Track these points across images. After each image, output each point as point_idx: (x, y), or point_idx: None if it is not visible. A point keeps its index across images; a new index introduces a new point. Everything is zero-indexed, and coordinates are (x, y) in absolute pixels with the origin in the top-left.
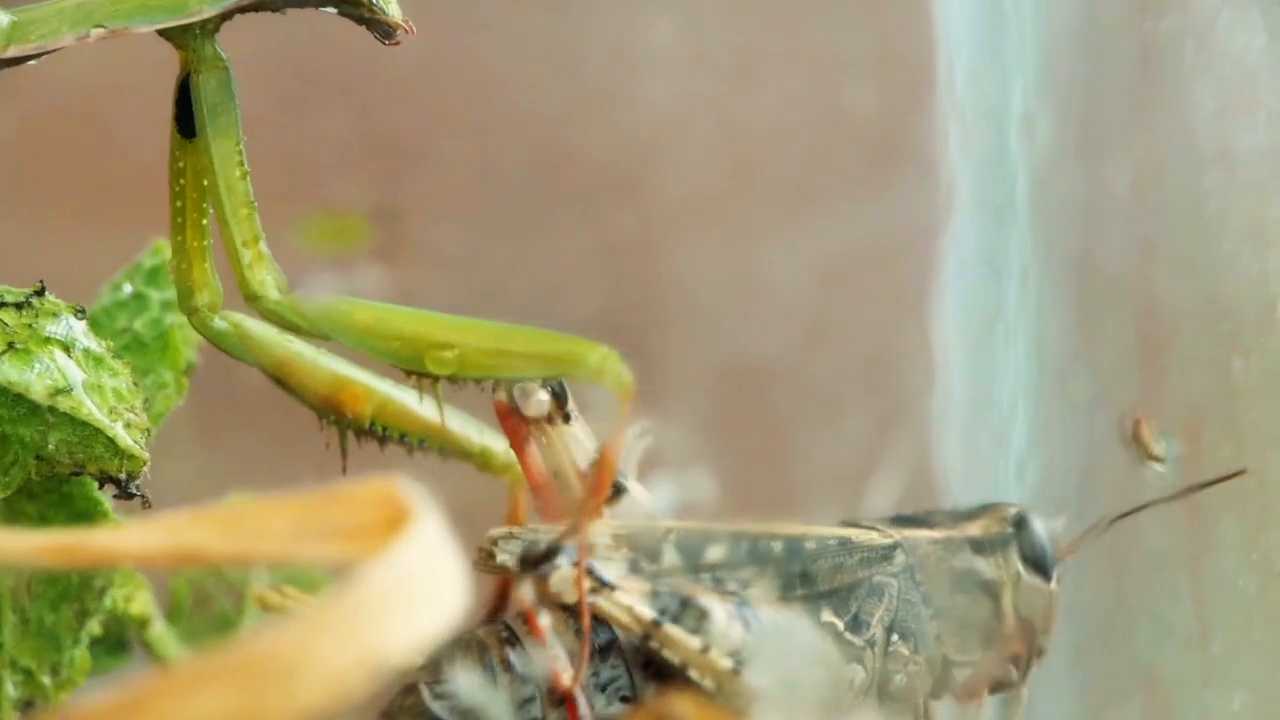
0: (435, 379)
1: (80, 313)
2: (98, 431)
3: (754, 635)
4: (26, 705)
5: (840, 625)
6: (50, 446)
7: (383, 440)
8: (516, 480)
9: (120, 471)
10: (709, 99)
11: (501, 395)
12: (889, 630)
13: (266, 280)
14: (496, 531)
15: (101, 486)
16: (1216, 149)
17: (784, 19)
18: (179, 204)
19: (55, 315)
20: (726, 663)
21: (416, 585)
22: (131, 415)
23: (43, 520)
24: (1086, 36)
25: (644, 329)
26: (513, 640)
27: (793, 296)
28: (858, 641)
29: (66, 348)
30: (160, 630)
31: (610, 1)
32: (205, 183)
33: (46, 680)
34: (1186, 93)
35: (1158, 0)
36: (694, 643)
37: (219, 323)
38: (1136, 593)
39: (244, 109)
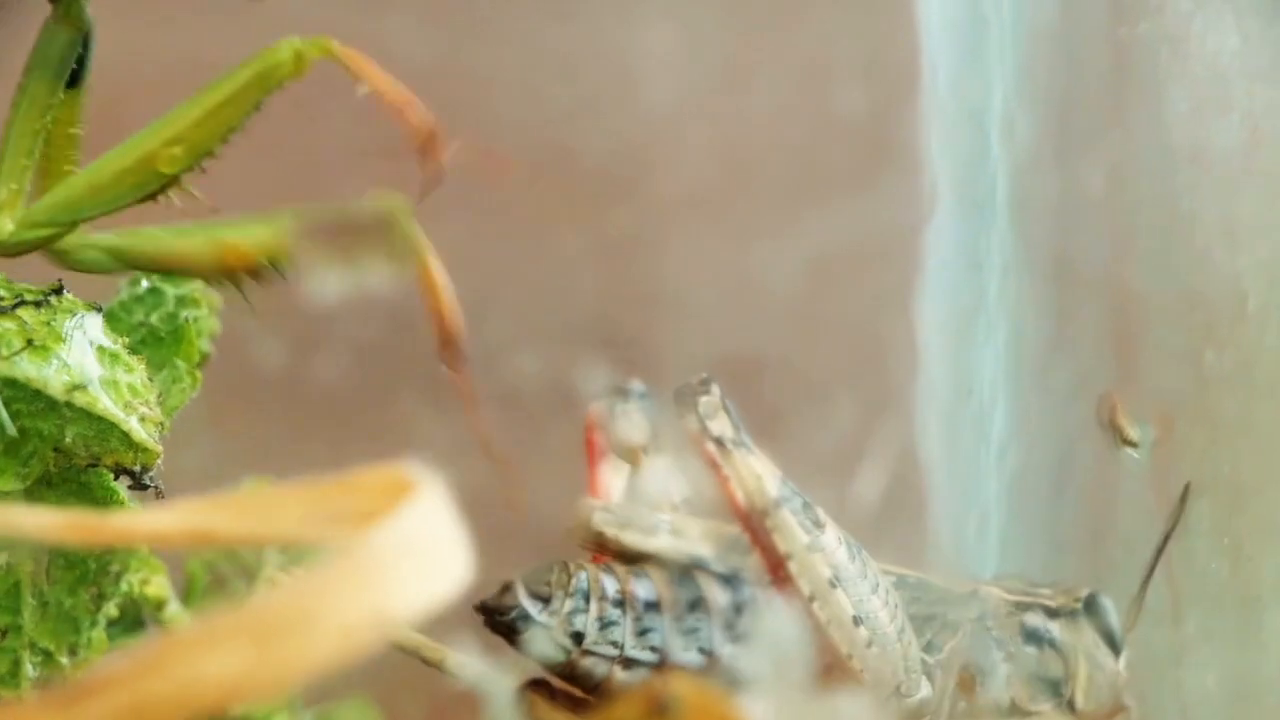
0: (178, 177)
1: (97, 309)
2: (113, 426)
3: (855, 566)
4: (46, 684)
5: (918, 642)
6: (67, 440)
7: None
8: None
9: (135, 464)
10: (703, 102)
11: (598, 411)
12: (961, 661)
13: (4, 225)
14: (594, 502)
15: (117, 478)
16: (1190, 149)
17: (775, 24)
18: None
19: (73, 313)
20: (826, 571)
21: (422, 550)
22: (146, 409)
23: (61, 508)
24: (1065, 40)
25: (641, 324)
26: (609, 571)
27: (783, 291)
28: (929, 659)
29: (83, 345)
30: (176, 611)
31: (607, 7)
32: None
33: (65, 661)
34: (1161, 94)
35: (1133, 5)
36: (804, 538)
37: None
38: (1111, 575)
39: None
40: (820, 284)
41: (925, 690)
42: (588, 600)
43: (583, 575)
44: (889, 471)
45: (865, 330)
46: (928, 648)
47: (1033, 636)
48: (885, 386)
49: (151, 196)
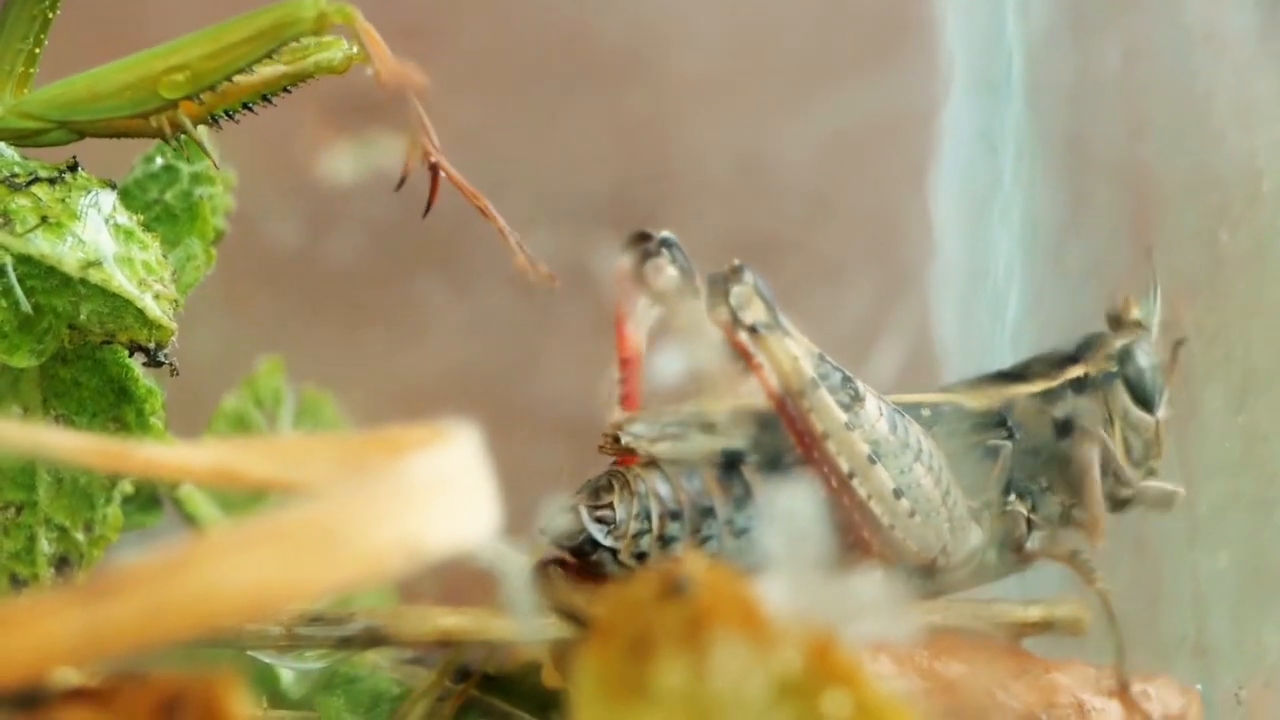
0: (176, 104)
1: (111, 187)
2: (127, 303)
3: (897, 438)
4: (61, 560)
5: (960, 490)
6: (82, 317)
7: (230, 115)
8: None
9: (149, 341)
10: None
11: (632, 264)
12: (1004, 492)
13: None
14: (620, 417)
15: (131, 355)
16: (1205, 29)
17: None
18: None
19: (87, 189)
20: (865, 448)
21: (452, 490)
22: (160, 287)
23: (76, 385)
24: None
25: (656, 204)
26: (663, 477)
27: (799, 172)
28: (974, 504)
29: (98, 222)
30: (189, 489)
31: None
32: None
33: (80, 537)
34: None
35: None
36: (841, 416)
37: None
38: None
39: None
40: (836, 165)
41: (975, 539)
42: (649, 519)
43: (642, 487)
44: (904, 352)
45: (881, 211)
46: (971, 490)
47: (1065, 430)
48: (900, 268)
49: (144, 116)
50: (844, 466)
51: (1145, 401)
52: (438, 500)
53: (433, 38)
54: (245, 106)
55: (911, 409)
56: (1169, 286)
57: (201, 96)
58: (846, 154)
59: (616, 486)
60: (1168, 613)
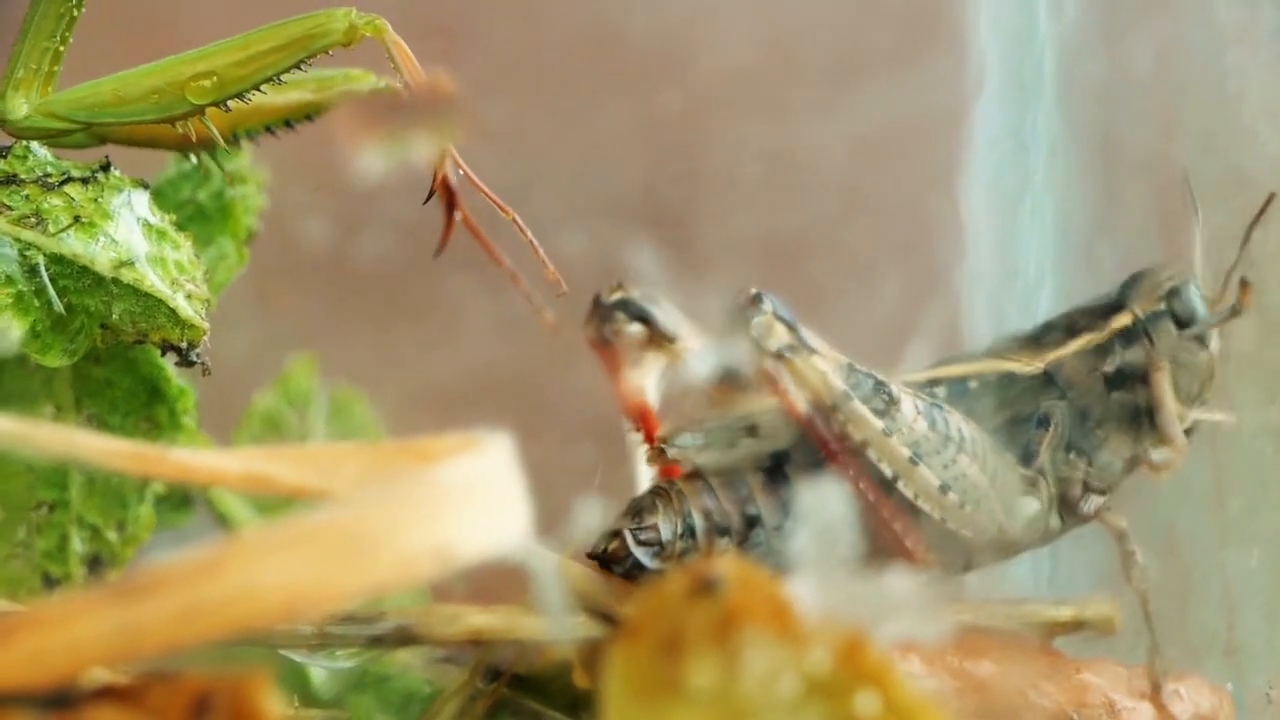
0: (203, 110)
1: (144, 186)
2: (160, 302)
3: (937, 434)
4: (93, 560)
5: (1012, 459)
6: (114, 316)
7: (251, 137)
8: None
9: (181, 340)
10: None
11: (592, 331)
12: (1063, 450)
13: (19, 108)
14: (667, 429)
15: (164, 354)
16: (1237, 29)
17: None
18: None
19: (119, 189)
20: (905, 451)
21: (484, 497)
22: (193, 286)
23: (109, 384)
24: None
25: (686, 202)
26: (708, 490)
27: (830, 170)
28: (1029, 473)
29: (130, 222)
30: (222, 489)
31: None
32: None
33: (113, 536)
34: None
35: None
36: (877, 424)
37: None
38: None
39: None
40: (867, 163)
41: (1032, 507)
42: (693, 535)
43: (686, 505)
44: (935, 353)
45: (912, 210)
46: (1025, 457)
47: (1117, 381)
48: (932, 266)
49: (170, 120)
50: (887, 472)
51: (1198, 337)
52: (470, 505)
53: (465, 38)
54: (267, 129)
55: (958, 383)
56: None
57: (228, 104)
58: (877, 152)
59: (660, 505)
60: (1198, 612)
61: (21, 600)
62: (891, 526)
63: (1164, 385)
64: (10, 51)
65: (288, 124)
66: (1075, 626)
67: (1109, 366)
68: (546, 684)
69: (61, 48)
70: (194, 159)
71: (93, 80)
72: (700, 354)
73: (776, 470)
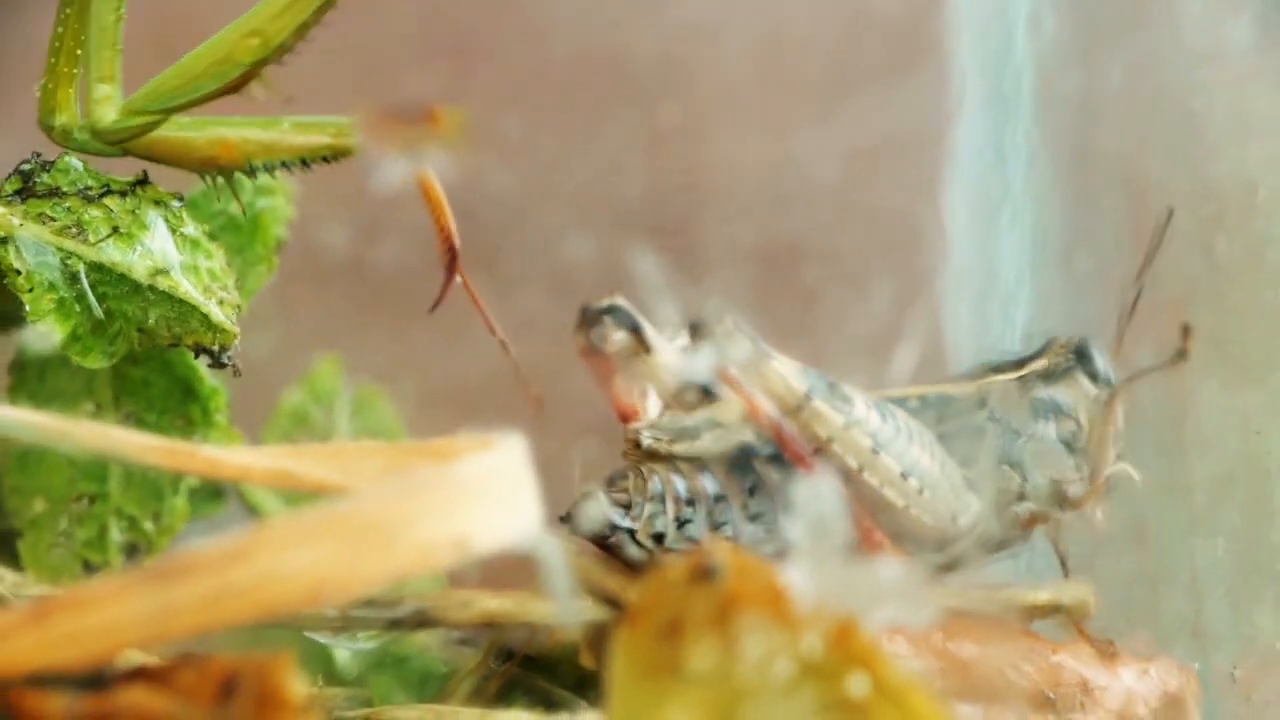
0: (257, 69)
1: (178, 199)
2: (193, 308)
3: (890, 426)
4: (131, 548)
5: (953, 462)
6: (151, 321)
7: (269, 169)
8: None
9: (214, 344)
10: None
11: (582, 339)
12: (997, 463)
13: (108, 114)
14: (637, 425)
15: (197, 356)
16: (1205, 47)
17: None
18: (60, 30)
19: (156, 201)
20: (867, 442)
21: (500, 491)
22: (224, 293)
23: (145, 384)
24: None
25: (687, 210)
26: (676, 470)
27: (820, 182)
28: (970, 474)
29: (166, 232)
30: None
31: None
32: (84, 18)
33: (149, 526)
34: None
35: None
36: (838, 419)
37: (79, 134)
38: (1128, 452)
39: None
40: (855, 175)
41: (975, 504)
42: (664, 502)
43: (656, 479)
44: (918, 354)
45: (898, 219)
46: (964, 463)
47: (1042, 410)
48: (916, 273)
49: (234, 89)
50: (852, 463)
51: (1102, 385)
52: (486, 499)
53: (477, 56)
54: (283, 165)
55: (900, 402)
56: (1172, 292)
57: (278, 60)
58: (866, 164)
59: (633, 476)
60: (1168, 597)
61: (63, 587)
62: (863, 520)
63: (1105, 428)
64: (56, 67)
65: (304, 163)
66: (1052, 610)
67: (1037, 395)
68: (555, 665)
69: (119, 50)
70: (217, 179)
71: (159, 75)
72: (673, 367)
73: (744, 460)
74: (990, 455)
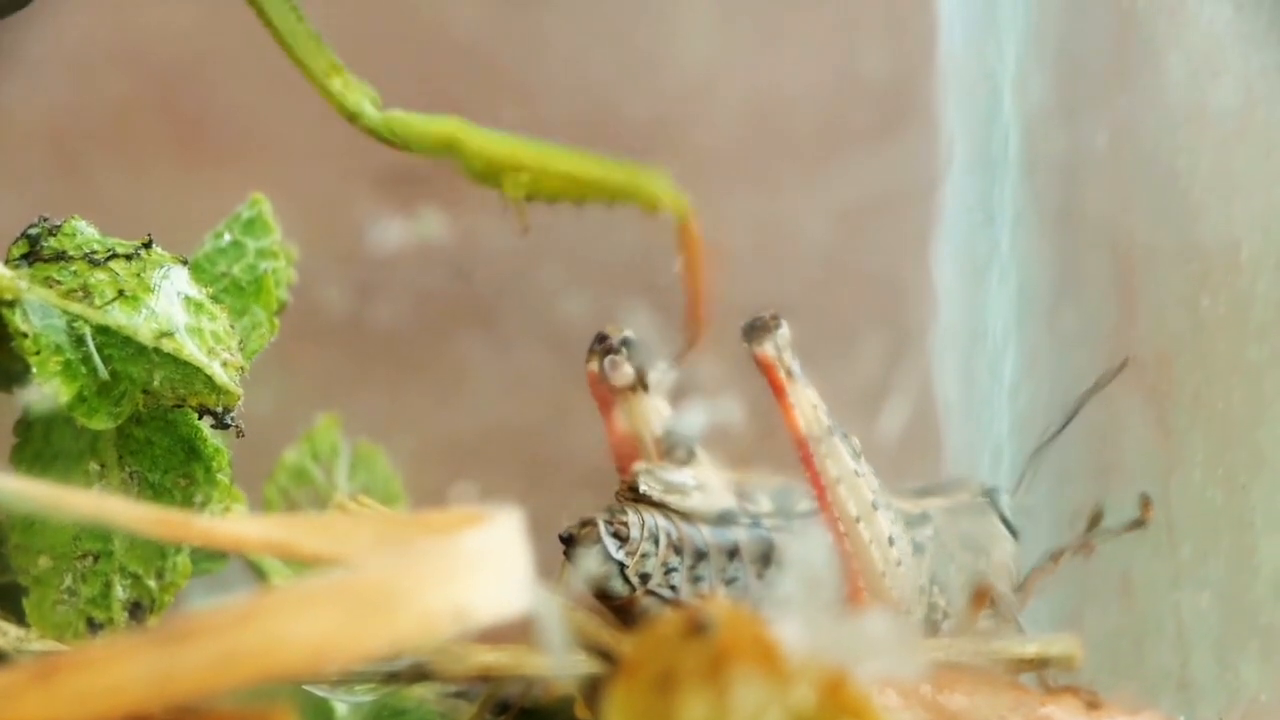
0: (511, 200)
1: (182, 262)
2: (198, 370)
3: (881, 498)
4: (134, 605)
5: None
6: (155, 383)
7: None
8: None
9: (218, 405)
10: (737, 63)
11: (594, 366)
12: (930, 582)
13: (361, 100)
14: (638, 467)
15: (201, 417)
16: (1188, 109)
17: None
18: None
19: (160, 265)
20: (870, 496)
21: (496, 564)
22: (228, 355)
23: (149, 444)
24: (1073, 7)
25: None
26: (669, 518)
27: (811, 240)
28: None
29: (171, 295)
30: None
31: None
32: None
33: (152, 583)
34: (1162, 59)
35: None
36: (850, 464)
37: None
38: (1113, 505)
39: None
40: (844, 234)
41: (918, 611)
42: (656, 544)
43: (652, 521)
44: (909, 410)
45: (886, 278)
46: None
47: (968, 539)
48: (905, 331)
49: (483, 184)
50: (852, 511)
51: (1011, 530)
52: (485, 571)
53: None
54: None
55: None
56: (1157, 349)
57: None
58: (855, 224)
59: (631, 512)
60: (1154, 650)
61: (67, 642)
62: (852, 574)
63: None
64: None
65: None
66: (1040, 663)
67: (964, 526)
68: (551, 717)
69: (321, 46)
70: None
71: (438, 121)
72: (663, 414)
73: (725, 521)
74: (926, 573)
